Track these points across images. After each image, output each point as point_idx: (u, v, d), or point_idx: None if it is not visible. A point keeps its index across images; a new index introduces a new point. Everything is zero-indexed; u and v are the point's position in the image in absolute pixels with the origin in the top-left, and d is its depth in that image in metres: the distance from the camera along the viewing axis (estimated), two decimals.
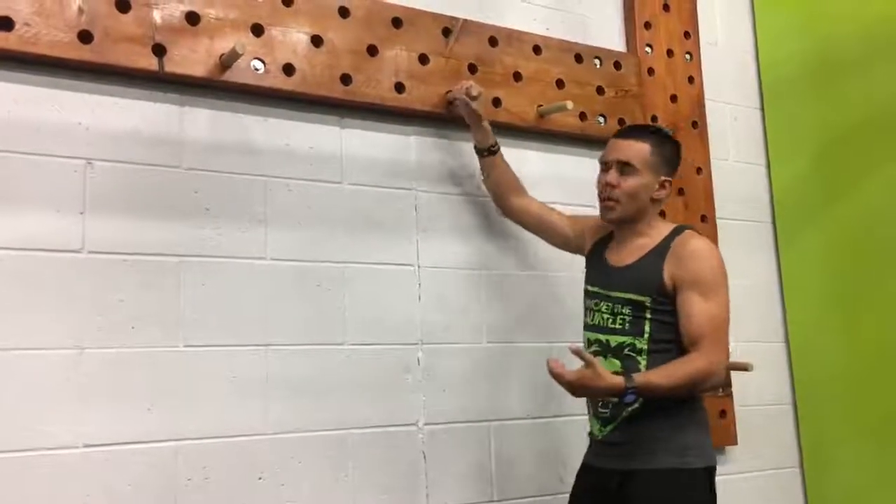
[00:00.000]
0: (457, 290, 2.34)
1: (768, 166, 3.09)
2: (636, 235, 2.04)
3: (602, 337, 1.99)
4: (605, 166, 2.04)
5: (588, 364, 1.78)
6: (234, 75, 2.02)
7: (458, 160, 2.32)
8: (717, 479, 1.97)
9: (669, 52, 2.84)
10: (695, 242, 1.98)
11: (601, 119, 2.60)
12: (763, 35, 3.14)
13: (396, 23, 2.27)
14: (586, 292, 2.09)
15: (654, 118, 2.74)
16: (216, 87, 2.04)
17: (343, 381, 2.13)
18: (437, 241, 2.33)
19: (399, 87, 2.25)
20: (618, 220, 2.03)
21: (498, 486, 2.31)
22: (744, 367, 2.71)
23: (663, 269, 1.95)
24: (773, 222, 3.06)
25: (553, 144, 2.56)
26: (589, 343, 2.03)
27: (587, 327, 2.06)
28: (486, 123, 2.26)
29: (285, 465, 2.02)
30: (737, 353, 2.78)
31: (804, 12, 3.02)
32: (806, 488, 2.93)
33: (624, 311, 1.96)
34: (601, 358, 1.93)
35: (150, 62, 1.92)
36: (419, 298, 2.28)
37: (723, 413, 2.71)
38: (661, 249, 1.98)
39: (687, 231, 2.03)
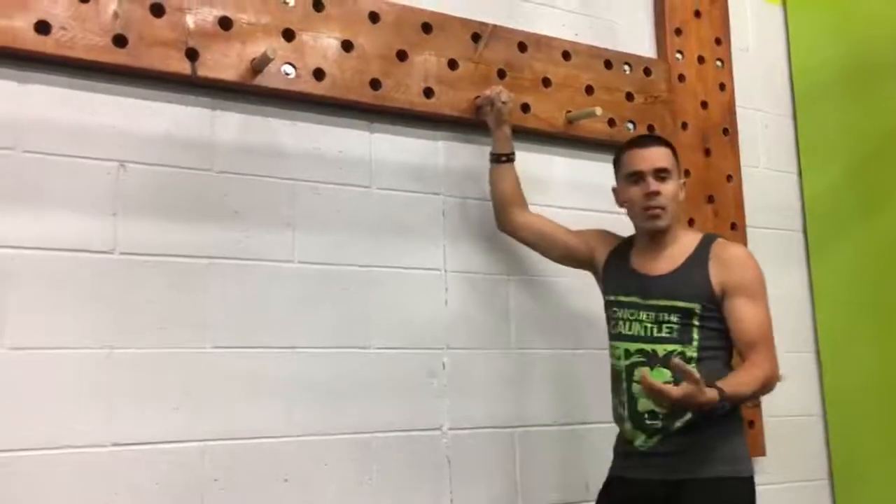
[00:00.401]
0: (483, 295, 2.34)
1: (800, 174, 3.05)
2: (666, 243, 2.03)
3: (647, 346, 1.96)
4: (638, 177, 2.02)
5: (689, 378, 1.70)
6: (265, 80, 2.03)
7: (486, 166, 2.32)
8: None
9: (700, 59, 2.82)
10: (736, 248, 2.06)
11: (630, 125, 2.58)
12: (796, 41, 3.11)
13: (426, 28, 2.28)
14: (616, 303, 2.06)
15: (684, 125, 2.72)
16: (247, 92, 2.05)
17: (368, 384, 2.13)
18: (465, 246, 2.33)
19: (428, 93, 2.25)
20: (667, 226, 2.02)
21: (522, 492, 2.30)
22: None
23: (710, 276, 1.95)
24: (805, 231, 3.02)
25: (581, 150, 2.55)
26: (627, 354, 2.00)
27: (621, 337, 2.03)
28: (508, 130, 2.25)
29: (310, 468, 2.03)
30: None
31: (838, 17, 2.98)
32: (835, 501, 2.89)
33: (671, 318, 1.95)
34: (648, 368, 1.91)
35: (182, 66, 1.94)
36: (446, 303, 2.28)
37: (751, 423, 2.68)
38: (701, 256, 1.98)
39: (720, 238, 2.06)
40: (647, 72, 2.66)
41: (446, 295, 2.28)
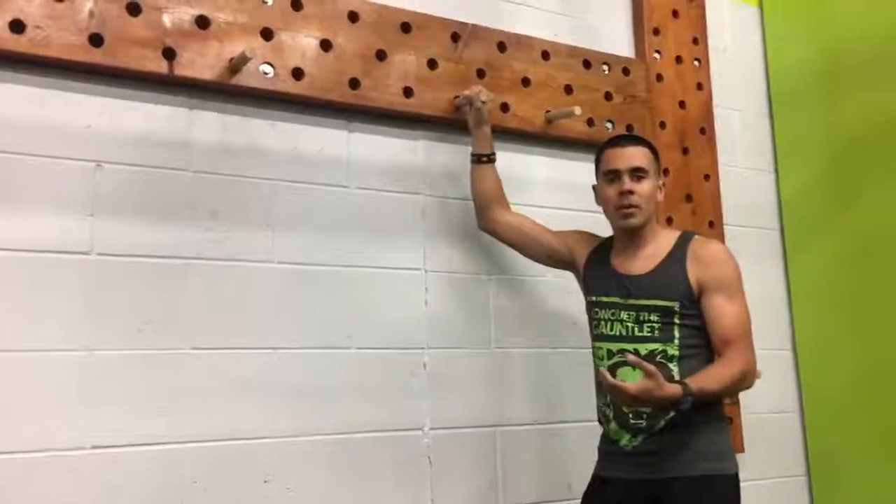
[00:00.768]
0: (464, 294, 2.34)
1: (776, 173, 3.09)
2: (644, 243, 2.04)
3: (629, 346, 1.97)
4: (615, 175, 2.03)
5: (648, 374, 1.74)
6: (243, 79, 2.02)
7: (466, 165, 2.32)
8: None
9: (678, 59, 2.84)
10: (714, 246, 2.05)
11: (609, 125, 2.60)
12: (772, 41, 3.14)
13: (405, 28, 2.28)
14: (597, 303, 2.07)
15: (662, 124, 2.74)
16: (225, 91, 2.04)
17: (349, 385, 2.13)
18: (445, 246, 2.33)
19: (407, 92, 2.25)
20: (640, 225, 2.03)
21: (503, 491, 2.31)
22: None
23: (688, 273, 1.96)
24: (781, 229, 3.05)
25: (561, 150, 2.56)
26: (610, 354, 2.01)
27: (603, 338, 2.04)
28: (488, 130, 2.25)
29: (291, 469, 2.02)
30: None
31: (812, 19, 3.01)
32: (813, 497, 2.92)
33: (652, 318, 1.96)
34: (630, 368, 1.92)
35: (159, 65, 1.93)
36: (426, 303, 2.28)
37: (730, 420, 2.69)
38: (679, 254, 1.99)
39: (697, 236, 2.07)
40: (625, 71, 2.67)
41: (426, 295, 2.28)
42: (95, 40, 1.86)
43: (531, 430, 2.38)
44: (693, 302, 1.95)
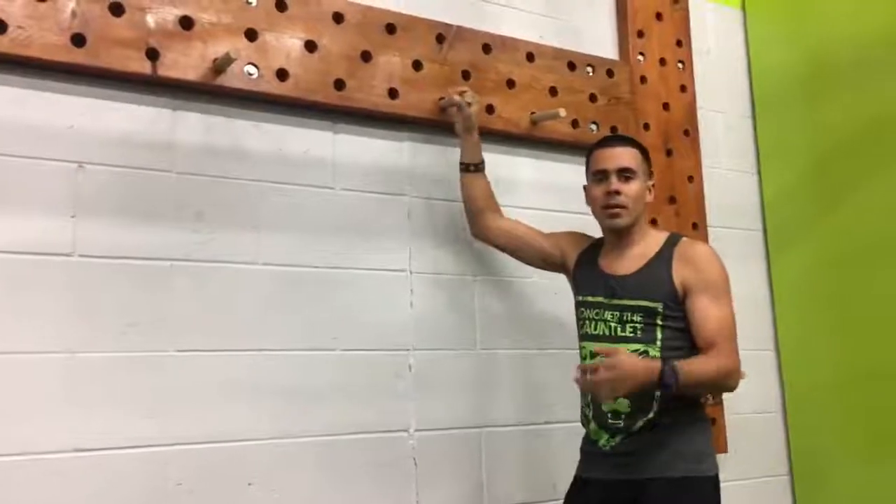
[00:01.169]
0: (449, 296, 2.34)
1: (759, 175, 3.11)
2: (632, 243, 2.05)
3: (611, 346, 1.97)
4: (602, 175, 2.04)
5: (607, 354, 1.76)
6: (228, 80, 2.02)
7: (451, 166, 2.32)
8: None
9: (662, 61, 2.85)
10: (700, 247, 2.05)
11: (593, 126, 2.61)
12: (754, 44, 3.16)
13: (390, 29, 2.27)
14: (583, 303, 2.08)
15: (646, 126, 2.75)
16: (209, 92, 2.03)
17: (334, 386, 2.12)
18: (430, 247, 2.33)
19: (392, 93, 2.25)
20: (626, 225, 2.03)
21: (489, 492, 2.31)
22: None
23: (673, 275, 1.96)
24: (764, 231, 3.07)
25: (546, 151, 2.57)
26: (592, 354, 2.01)
27: (588, 338, 2.04)
28: (476, 137, 2.25)
29: (276, 471, 2.02)
30: None
31: (795, 21, 3.04)
32: (795, 496, 2.94)
33: (635, 318, 1.96)
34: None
35: (143, 66, 1.92)
36: (411, 304, 2.28)
37: (713, 421, 2.70)
38: (665, 255, 2.00)
39: (685, 238, 2.08)
40: (609, 73, 2.68)
41: (412, 296, 2.28)
42: (78, 40, 1.85)
43: (516, 431, 2.39)
44: (677, 304, 1.96)
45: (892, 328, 2.66)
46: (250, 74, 2.05)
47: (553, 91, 2.54)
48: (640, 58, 2.81)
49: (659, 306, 1.95)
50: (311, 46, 2.14)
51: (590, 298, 2.05)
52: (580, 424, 2.10)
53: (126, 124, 1.95)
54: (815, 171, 2.93)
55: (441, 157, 2.37)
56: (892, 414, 2.65)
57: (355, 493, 2.11)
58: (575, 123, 2.56)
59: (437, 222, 2.35)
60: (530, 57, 2.52)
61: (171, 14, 1.96)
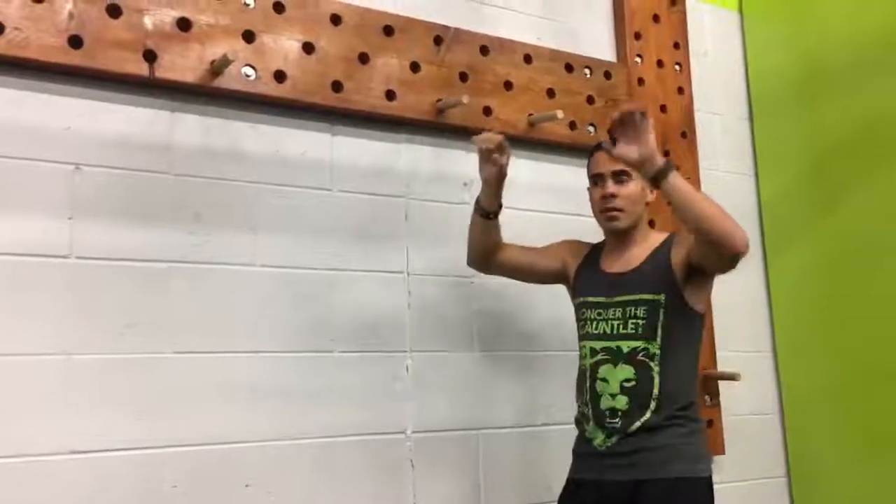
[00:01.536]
0: (446, 298, 2.34)
1: (757, 177, 3.11)
2: (633, 244, 2.05)
3: (612, 344, 1.97)
4: (599, 179, 2.04)
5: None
6: (225, 82, 2.02)
7: (449, 168, 2.33)
8: None
9: (659, 63, 2.85)
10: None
11: (591, 128, 2.61)
12: (752, 46, 3.16)
13: (388, 31, 2.28)
14: (584, 304, 2.07)
15: None
16: (207, 94, 2.03)
17: (332, 388, 2.12)
18: (427, 249, 2.33)
19: (390, 95, 2.25)
20: (624, 227, 2.03)
21: (486, 494, 2.31)
22: (731, 377, 2.73)
23: (671, 260, 1.96)
24: (761, 233, 3.07)
25: (543, 153, 2.57)
26: (593, 352, 2.00)
27: (588, 337, 2.04)
28: (503, 185, 2.10)
29: (273, 473, 2.01)
30: (724, 363, 2.79)
31: (792, 23, 3.04)
32: (793, 498, 2.94)
33: (637, 313, 1.95)
34: (611, 366, 1.94)
35: (140, 67, 1.92)
36: (409, 306, 2.28)
37: (710, 422, 2.71)
38: (664, 248, 2.01)
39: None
40: (607, 75, 2.68)
41: (409, 298, 2.28)
42: (75, 42, 1.84)
43: (513, 433, 2.39)
44: (680, 291, 1.94)
45: (890, 330, 2.66)
46: (248, 76, 2.05)
47: (550, 93, 2.54)
48: (638, 60, 2.81)
49: (661, 298, 1.95)
50: (308, 48, 2.14)
51: (591, 299, 2.05)
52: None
53: (123, 126, 1.95)
54: (813, 173, 2.93)
55: (439, 159, 2.37)
56: (889, 416, 2.65)
57: (352, 494, 2.11)
58: (572, 125, 2.56)
59: (434, 224, 2.35)
60: (528, 59, 2.52)
61: (169, 16, 1.96)
